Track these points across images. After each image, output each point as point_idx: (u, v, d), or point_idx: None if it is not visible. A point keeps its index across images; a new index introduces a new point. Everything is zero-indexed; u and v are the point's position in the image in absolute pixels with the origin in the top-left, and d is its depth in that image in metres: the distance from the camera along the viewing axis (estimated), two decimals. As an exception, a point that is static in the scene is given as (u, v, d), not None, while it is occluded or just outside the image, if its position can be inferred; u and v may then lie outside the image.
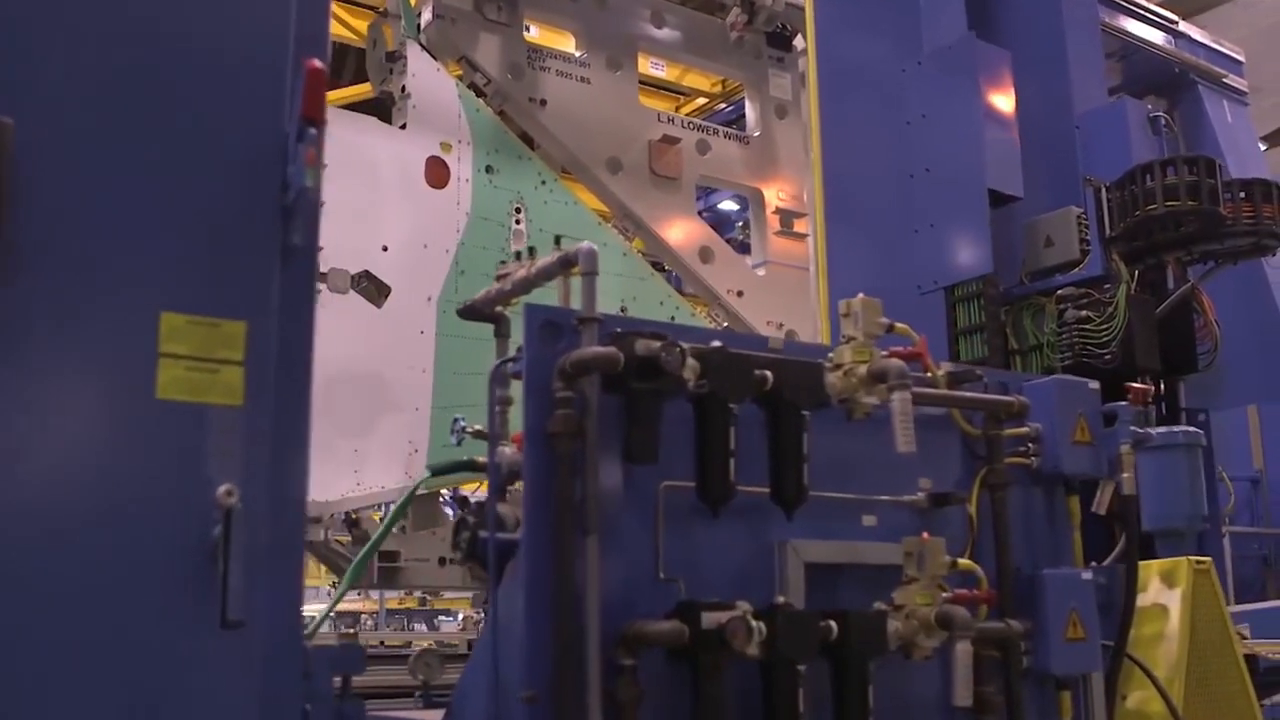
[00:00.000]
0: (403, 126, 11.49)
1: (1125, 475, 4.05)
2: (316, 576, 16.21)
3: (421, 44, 11.81)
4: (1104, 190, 9.14)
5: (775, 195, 13.53)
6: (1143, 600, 4.43)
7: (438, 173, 11.52)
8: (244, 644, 2.04)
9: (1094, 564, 4.63)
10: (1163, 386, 10.06)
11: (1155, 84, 13.05)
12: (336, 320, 10.53)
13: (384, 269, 10.93)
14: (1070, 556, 4.12)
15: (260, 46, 2.19)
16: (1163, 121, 10.28)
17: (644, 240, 12.95)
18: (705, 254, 12.84)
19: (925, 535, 3.43)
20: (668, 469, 3.27)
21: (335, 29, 15.11)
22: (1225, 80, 13.62)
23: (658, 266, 13.28)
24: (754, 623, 3.05)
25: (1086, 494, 4.39)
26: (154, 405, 2.20)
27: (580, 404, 3.13)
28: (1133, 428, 4.05)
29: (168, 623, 2.07)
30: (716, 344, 3.21)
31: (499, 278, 3.52)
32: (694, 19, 13.53)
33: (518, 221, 11.86)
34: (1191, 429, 5.43)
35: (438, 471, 3.55)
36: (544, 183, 12.10)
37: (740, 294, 12.87)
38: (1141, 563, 4.54)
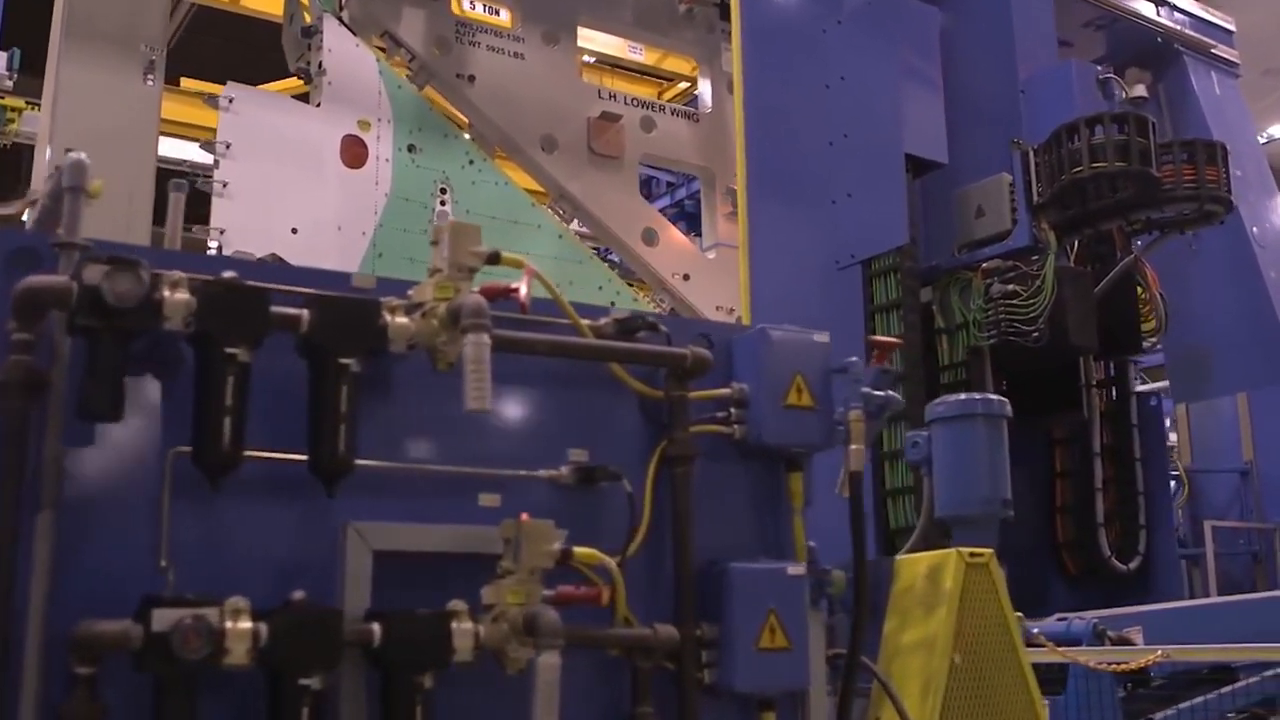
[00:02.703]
0: (317, 104, 10.94)
1: (853, 448, 3.33)
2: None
3: (341, 19, 11.25)
4: (1032, 154, 8.35)
5: (728, 175, 12.81)
6: (909, 600, 3.71)
7: (354, 152, 10.94)
8: None
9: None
10: (1111, 367, 9.32)
11: (1140, 55, 12.20)
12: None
13: (293, 252, 10.33)
14: (793, 547, 3.40)
15: None
16: (1114, 84, 9.44)
17: (584, 222, 12.30)
18: (648, 236, 12.15)
19: (525, 517, 2.75)
20: (183, 433, 2.62)
21: (271, 6, 14.58)
22: (1214, 51, 12.74)
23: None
24: (243, 624, 2.41)
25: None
26: None
27: (48, 349, 2.51)
28: (867, 389, 3.32)
29: None
30: (229, 274, 2.56)
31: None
32: (641, -9, 12.85)
33: (442, 203, 11.24)
34: (994, 397, 4.64)
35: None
36: (472, 162, 11.48)
37: (686, 277, 12.17)
38: (909, 556, 3.83)
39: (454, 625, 2.64)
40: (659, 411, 3.24)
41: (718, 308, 12.09)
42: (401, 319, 2.71)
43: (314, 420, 2.64)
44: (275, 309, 2.60)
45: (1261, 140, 21.82)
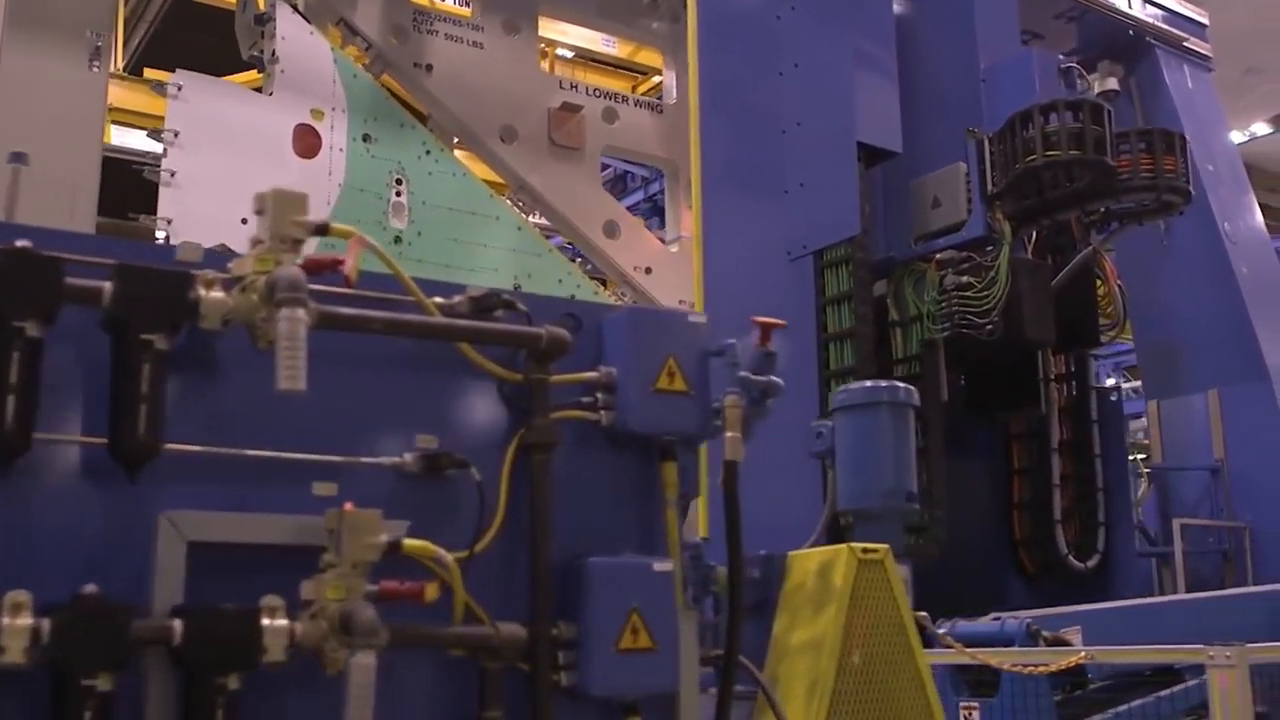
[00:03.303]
0: (270, 93, 10.74)
1: (729, 435, 3.14)
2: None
3: (295, 6, 11.05)
4: (987, 143, 8.17)
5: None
6: (799, 599, 3.53)
7: (307, 141, 10.75)
8: None
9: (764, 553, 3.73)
10: (1071, 361, 9.15)
11: (1111, 48, 12.03)
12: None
13: (244, 243, 10.06)
14: (665, 540, 3.21)
15: None
16: (1076, 73, 9.24)
17: (544, 214, 12.11)
18: (610, 229, 11.96)
19: (349, 506, 2.56)
20: (-19, 416, 2.43)
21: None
22: (1186, 44, 12.56)
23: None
24: (21, 620, 2.22)
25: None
26: None
27: None
28: (746, 374, 3.12)
29: None
30: (21, 243, 2.37)
31: None
32: (604, -21, 12.65)
33: (398, 194, 11.05)
34: (901, 385, 4.42)
35: None
36: (428, 152, 11.28)
37: (649, 270, 11.98)
38: (801, 552, 3.64)
39: (264, 622, 2.45)
40: (522, 396, 3.04)
41: (680, 301, 11.90)
42: (216, 293, 2.52)
43: (115, 401, 2.45)
44: (72, 281, 2.41)
45: (1244, 138, 21.68)
